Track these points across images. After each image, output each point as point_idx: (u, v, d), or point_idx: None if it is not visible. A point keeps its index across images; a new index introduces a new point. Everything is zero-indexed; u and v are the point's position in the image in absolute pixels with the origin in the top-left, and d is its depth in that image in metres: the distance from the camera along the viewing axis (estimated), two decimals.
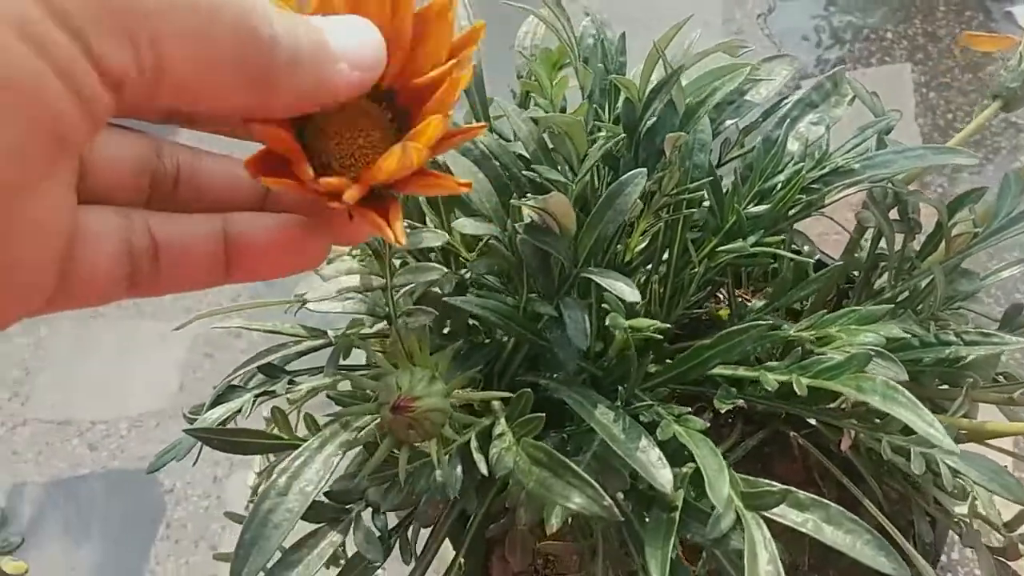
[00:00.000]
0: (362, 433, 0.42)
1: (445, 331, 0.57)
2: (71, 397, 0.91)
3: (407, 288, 0.49)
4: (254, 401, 0.51)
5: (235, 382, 0.54)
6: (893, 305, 0.51)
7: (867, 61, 1.17)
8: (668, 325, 0.46)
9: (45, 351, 0.94)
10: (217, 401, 0.52)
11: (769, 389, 0.47)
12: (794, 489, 0.44)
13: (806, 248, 0.65)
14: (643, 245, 0.56)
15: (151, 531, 0.83)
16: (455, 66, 0.27)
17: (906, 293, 0.60)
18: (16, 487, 0.85)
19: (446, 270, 0.47)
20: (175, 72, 0.22)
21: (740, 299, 0.64)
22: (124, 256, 0.26)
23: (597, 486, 0.40)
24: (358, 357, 0.57)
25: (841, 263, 0.59)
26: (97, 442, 0.88)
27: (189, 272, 0.28)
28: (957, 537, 0.59)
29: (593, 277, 0.47)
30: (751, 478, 0.44)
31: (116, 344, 0.94)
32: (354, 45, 0.26)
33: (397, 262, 0.50)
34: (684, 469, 0.46)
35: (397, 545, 0.51)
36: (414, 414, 0.40)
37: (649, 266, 0.57)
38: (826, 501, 0.44)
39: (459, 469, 0.44)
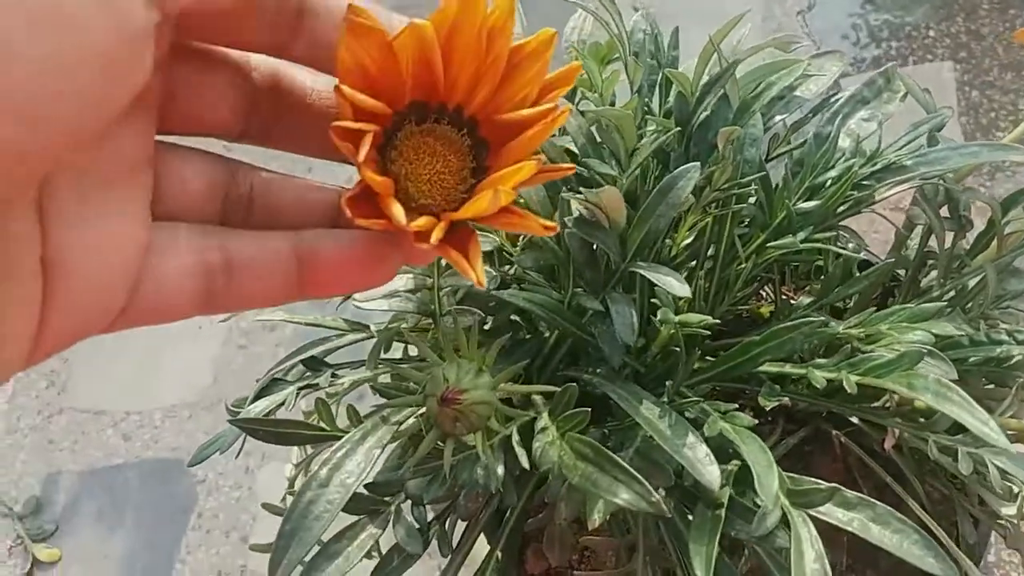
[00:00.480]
0: (405, 425, 0.41)
1: (486, 327, 0.57)
2: (107, 387, 0.91)
3: (451, 287, 0.49)
4: (297, 394, 0.51)
5: (277, 375, 0.54)
6: (945, 303, 0.50)
7: (906, 59, 1.15)
8: (717, 320, 0.45)
9: (83, 341, 0.94)
10: (261, 394, 0.52)
11: (817, 387, 0.46)
12: (841, 488, 0.43)
13: (851, 246, 0.64)
14: (689, 240, 0.55)
15: (183, 521, 0.83)
16: (550, 110, 0.26)
17: (953, 292, 0.59)
18: (51, 475, 0.85)
19: (491, 271, 0.46)
20: None
21: (784, 296, 0.63)
22: (197, 272, 0.26)
23: (644, 482, 0.39)
24: (396, 352, 0.57)
25: (892, 260, 0.58)
26: (131, 432, 0.88)
27: (263, 288, 0.27)
28: (993, 539, 0.58)
29: (642, 271, 0.46)
30: (796, 476, 0.44)
31: (152, 336, 0.94)
32: None
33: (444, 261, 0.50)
34: (729, 466, 0.45)
35: (434, 539, 0.51)
36: (461, 407, 0.39)
37: (694, 262, 0.56)
38: (873, 500, 0.43)
39: (502, 463, 0.44)
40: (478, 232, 0.27)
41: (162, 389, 0.90)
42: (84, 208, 0.23)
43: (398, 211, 0.25)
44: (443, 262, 0.49)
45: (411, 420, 0.44)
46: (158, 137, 0.27)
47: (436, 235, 0.25)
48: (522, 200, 0.50)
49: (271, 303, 0.28)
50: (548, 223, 0.26)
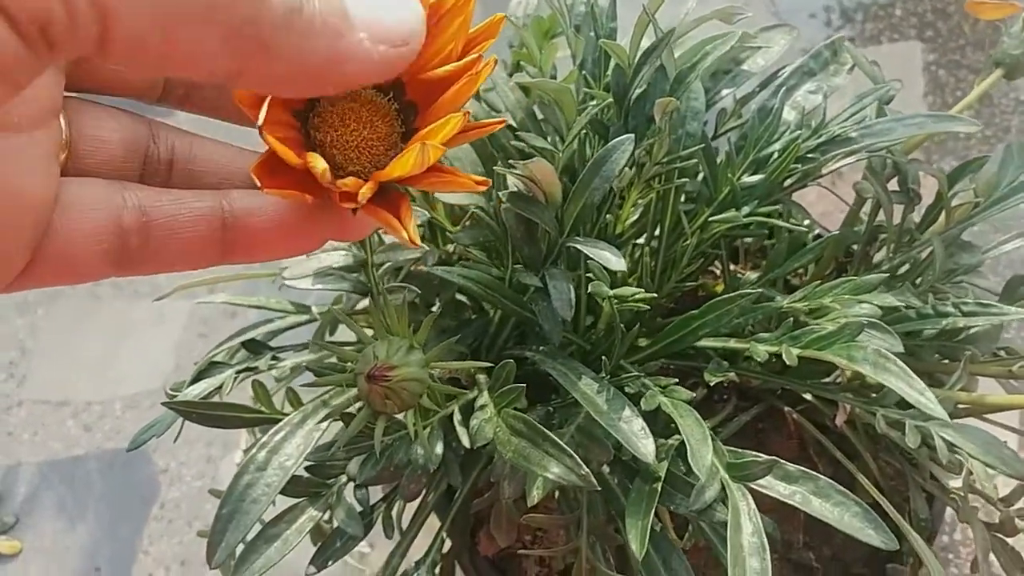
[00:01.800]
0: (337, 404, 0.41)
1: (434, 308, 0.56)
2: (67, 377, 0.90)
3: (391, 264, 0.48)
4: (236, 377, 0.50)
5: (218, 358, 0.53)
6: (888, 275, 0.50)
7: (877, 39, 1.15)
8: (653, 294, 0.45)
9: (41, 332, 0.93)
10: (199, 377, 0.51)
11: (759, 360, 0.46)
12: (781, 460, 0.43)
13: (806, 222, 0.64)
14: (635, 217, 0.55)
15: (145, 511, 0.82)
16: (477, 60, 0.26)
17: (906, 266, 0.58)
18: (11, 468, 0.85)
19: (426, 248, 0.46)
20: (125, 26, 0.19)
21: (735, 273, 0.63)
22: (109, 231, 0.25)
23: (575, 456, 0.39)
24: (346, 333, 0.56)
25: (836, 234, 0.57)
26: (92, 423, 0.87)
27: (182, 251, 0.26)
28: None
29: (578, 246, 0.46)
30: (737, 449, 0.43)
31: (111, 324, 0.93)
32: (382, 13, 0.22)
33: (377, 239, 0.49)
34: (671, 441, 0.45)
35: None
36: (390, 383, 0.39)
37: (642, 239, 0.56)
38: (815, 474, 0.43)
39: (440, 442, 0.43)
40: (410, 200, 0.26)
41: (123, 378, 0.89)
42: None
43: (320, 165, 0.24)
44: (376, 238, 0.48)
45: (346, 400, 0.43)
46: (77, 95, 0.26)
47: (364, 193, 0.24)
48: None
49: (190, 267, 0.27)
50: (479, 179, 0.26)
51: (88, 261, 0.25)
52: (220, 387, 0.50)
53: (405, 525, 0.54)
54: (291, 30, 0.20)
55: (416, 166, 0.25)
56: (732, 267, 0.66)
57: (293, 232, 0.27)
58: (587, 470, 0.38)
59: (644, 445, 0.40)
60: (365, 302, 0.52)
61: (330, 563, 0.49)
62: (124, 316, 0.94)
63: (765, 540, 0.40)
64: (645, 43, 0.49)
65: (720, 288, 0.62)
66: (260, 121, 0.24)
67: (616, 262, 0.43)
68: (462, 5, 0.26)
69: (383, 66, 0.23)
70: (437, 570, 0.56)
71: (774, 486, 0.43)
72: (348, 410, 0.44)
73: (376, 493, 0.53)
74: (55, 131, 0.25)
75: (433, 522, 0.55)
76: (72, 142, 0.26)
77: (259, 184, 0.24)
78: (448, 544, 0.57)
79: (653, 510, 0.41)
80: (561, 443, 0.39)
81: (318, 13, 0.21)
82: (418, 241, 0.25)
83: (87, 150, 0.26)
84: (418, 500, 0.55)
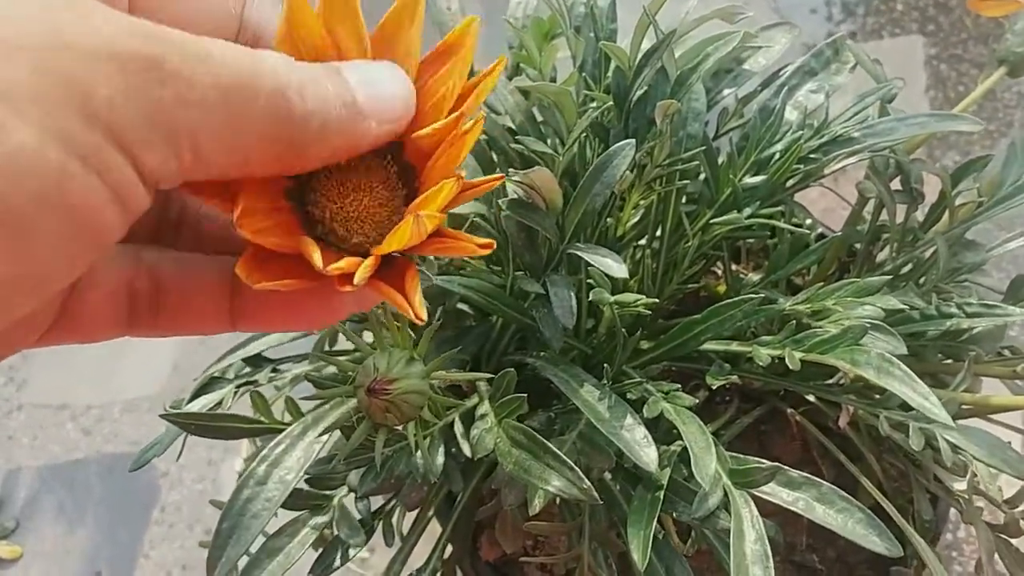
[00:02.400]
0: (338, 416, 0.40)
1: (435, 317, 0.56)
2: (66, 382, 0.90)
3: None
4: (235, 392, 0.50)
5: (217, 373, 0.53)
6: (891, 276, 0.50)
7: (879, 34, 1.14)
8: (655, 300, 0.44)
9: None
10: (199, 392, 0.50)
11: (761, 364, 0.45)
12: (784, 467, 0.42)
13: (808, 222, 0.64)
14: (636, 220, 0.54)
15: (145, 515, 0.82)
16: (459, 118, 0.24)
17: (909, 266, 0.58)
18: (11, 472, 0.84)
19: (432, 259, 0.45)
20: (210, 162, 0.21)
21: (738, 274, 0.62)
22: (122, 297, 0.25)
23: (576, 468, 0.38)
24: (347, 342, 0.56)
25: (839, 234, 0.57)
26: (91, 426, 0.87)
27: (192, 319, 0.26)
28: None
29: (579, 253, 0.45)
30: (741, 456, 0.43)
31: None
32: (384, 98, 0.24)
33: None
34: (673, 447, 0.44)
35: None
36: (391, 396, 0.38)
37: (643, 241, 0.55)
38: (818, 480, 0.42)
39: (441, 452, 0.43)
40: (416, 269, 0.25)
41: (122, 383, 0.89)
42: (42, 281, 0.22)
43: (315, 254, 0.23)
44: None
45: (345, 412, 0.42)
46: None
47: (360, 276, 0.23)
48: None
49: (200, 332, 0.27)
50: (483, 241, 0.24)
51: (102, 324, 0.25)
52: (220, 403, 0.49)
53: (406, 530, 0.54)
54: (321, 137, 0.22)
55: (414, 238, 0.23)
56: (734, 267, 0.65)
57: (300, 308, 0.26)
58: (588, 483, 0.38)
59: (646, 454, 0.40)
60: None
61: (331, 571, 0.49)
62: None
63: (768, 547, 0.40)
64: (646, 44, 0.48)
65: (722, 289, 0.61)
66: (236, 215, 0.23)
67: (618, 269, 0.43)
68: (453, 52, 0.25)
69: (380, 139, 0.24)
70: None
71: (777, 492, 0.43)
72: (336, 418, 0.44)
73: (377, 500, 0.52)
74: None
75: (434, 528, 0.55)
76: None
77: (246, 280, 0.23)
78: (449, 550, 0.57)
79: (655, 519, 0.41)
80: (562, 455, 0.39)
81: (336, 118, 0.22)
82: (423, 315, 0.24)
83: None
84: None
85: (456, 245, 0.25)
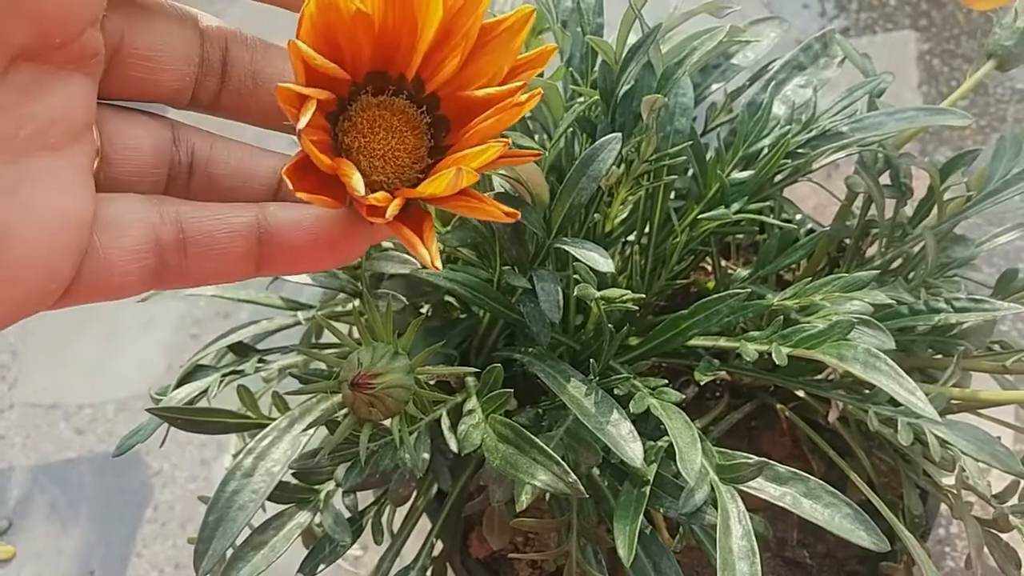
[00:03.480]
0: (323, 411, 0.40)
1: (422, 309, 0.56)
2: (58, 381, 0.90)
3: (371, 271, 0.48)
4: (221, 381, 0.50)
5: (204, 361, 0.53)
6: (879, 271, 0.49)
7: (872, 29, 1.14)
8: (642, 295, 0.44)
9: (32, 335, 0.93)
10: (184, 380, 0.50)
11: (749, 359, 0.45)
12: (771, 462, 0.42)
13: (798, 217, 0.63)
14: (624, 216, 0.54)
15: (138, 514, 0.82)
16: (520, 88, 0.25)
17: (899, 261, 0.58)
18: (3, 472, 0.84)
19: (417, 265, 0.45)
20: None
21: (727, 270, 0.62)
22: (148, 249, 0.25)
23: (563, 463, 0.38)
24: (333, 338, 0.56)
25: (827, 229, 0.57)
26: (84, 426, 0.87)
27: (218, 266, 0.27)
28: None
29: (566, 247, 0.45)
30: (728, 451, 0.43)
31: (102, 327, 0.93)
32: None
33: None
34: (660, 443, 0.44)
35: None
36: (375, 391, 0.38)
37: (631, 237, 0.55)
38: (805, 475, 0.42)
39: (427, 446, 0.43)
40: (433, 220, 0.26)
41: (115, 381, 0.89)
42: (21, 175, 0.22)
43: (358, 181, 0.24)
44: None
45: (330, 407, 0.42)
46: (102, 100, 0.26)
47: (391, 210, 0.24)
48: None
49: (227, 280, 0.27)
50: (509, 210, 0.25)
51: (127, 278, 0.25)
52: (206, 391, 0.49)
53: (397, 527, 0.54)
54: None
55: (449, 188, 0.24)
56: (724, 263, 0.65)
57: (330, 244, 0.27)
58: (575, 477, 0.38)
59: (632, 449, 0.40)
60: (354, 302, 0.52)
61: (320, 569, 0.48)
62: (115, 319, 0.93)
63: (755, 543, 0.39)
64: (632, 39, 0.48)
65: (712, 285, 0.61)
66: (302, 124, 0.23)
67: (604, 263, 0.43)
68: (517, 29, 0.26)
69: None
70: (429, 573, 0.55)
71: (764, 488, 0.43)
72: (334, 416, 0.44)
73: (367, 497, 0.52)
74: (89, 144, 0.25)
75: (425, 525, 0.55)
76: (104, 152, 0.26)
77: (291, 186, 0.24)
78: (440, 547, 0.57)
79: (641, 514, 0.41)
80: (548, 450, 0.39)
81: None
82: (439, 264, 0.24)
83: (118, 159, 0.27)
84: (409, 503, 0.54)
85: (482, 207, 0.25)
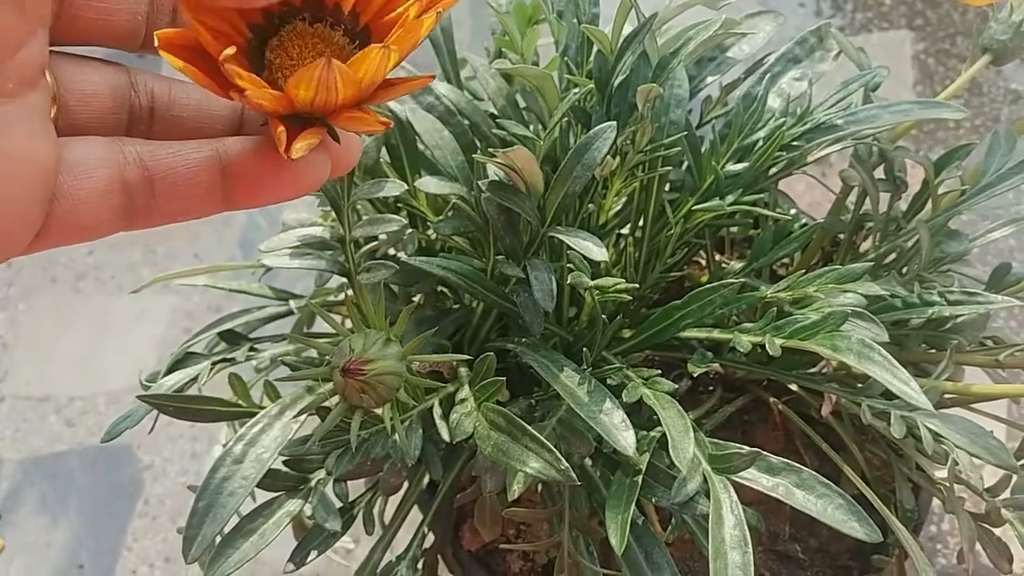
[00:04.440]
0: (315, 397, 0.40)
1: (415, 298, 0.55)
2: (49, 373, 0.89)
3: (370, 247, 0.47)
4: (212, 368, 0.49)
5: (196, 348, 0.52)
6: (872, 263, 0.49)
7: (867, 28, 1.14)
8: (635, 285, 0.44)
9: (22, 327, 0.92)
10: (174, 367, 0.50)
11: (741, 350, 0.45)
12: (764, 452, 0.42)
13: (793, 211, 0.63)
14: (619, 207, 0.54)
15: (129, 508, 0.81)
16: (414, 5, 0.26)
17: (893, 255, 0.58)
18: None
19: (405, 221, 0.45)
20: None
21: (721, 263, 0.62)
22: (115, 190, 0.26)
23: (555, 450, 0.38)
24: (326, 325, 0.56)
25: (820, 222, 0.57)
26: (75, 419, 0.86)
27: (186, 202, 0.27)
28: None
29: (560, 236, 0.45)
30: (720, 441, 0.43)
31: (93, 319, 0.92)
32: None
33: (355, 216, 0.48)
34: (653, 433, 0.44)
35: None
36: (366, 377, 0.38)
37: (626, 229, 0.55)
38: (798, 466, 0.42)
39: (419, 435, 0.43)
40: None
41: (106, 374, 0.88)
42: None
43: (212, 43, 0.24)
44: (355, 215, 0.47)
45: (322, 393, 0.42)
46: (56, 48, 0.26)
47: (226, 55, 0.23)
48: (439, 162, 0.48)
49: (194, 216, 0.28)
50: (383, 119, 0.26)
51: (98, 218, 0.26)
52: (196, 378, 0.49)
53: (389, 518, 0.53)
54: None
55: (320, 88, 0.24)
56: (718, 257, 0.65)
57: (288, 169, 0.27)
58: (567, 465, 0.38)
59: (624, 437, 0.40)
60: (347, 291, 0.52)
61: (309, 560, 0.48)
62: (106, 311, 0.92)
63: (747, 533, 0.39)
64: (628, 29, 0.48)
65: (705, 279, 0.61)
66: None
67: (598, 252, 0.43)
68: None
69: None
70: (420, 564, 0.55)
71: (757, 478, 0.43)
72: (325, 404, 0.43)
73: (359, 488, 0.52)
74: (45, 90, 0.25)
75: (417, 517, 0.55)
76: (60, 98, 0.26)
77: (156, 44, 0.24)
78: (432, 538, 0.57)
79: (633, 503, 0.40)
80: (541, 438, 0.38)
81: None
82: (294, 155, 0.25)
83: (76, 105, 0.27)
84: (401, 494, 0.54)
85: (361, 117, 0.26)
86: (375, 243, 0.46)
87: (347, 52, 0.27)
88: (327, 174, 0.28)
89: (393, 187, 0.45)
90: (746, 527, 0.39)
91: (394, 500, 0.54)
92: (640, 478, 0.42)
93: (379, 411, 0.40)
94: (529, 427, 0.39)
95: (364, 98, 0.26)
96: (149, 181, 0.26)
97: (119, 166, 0.26)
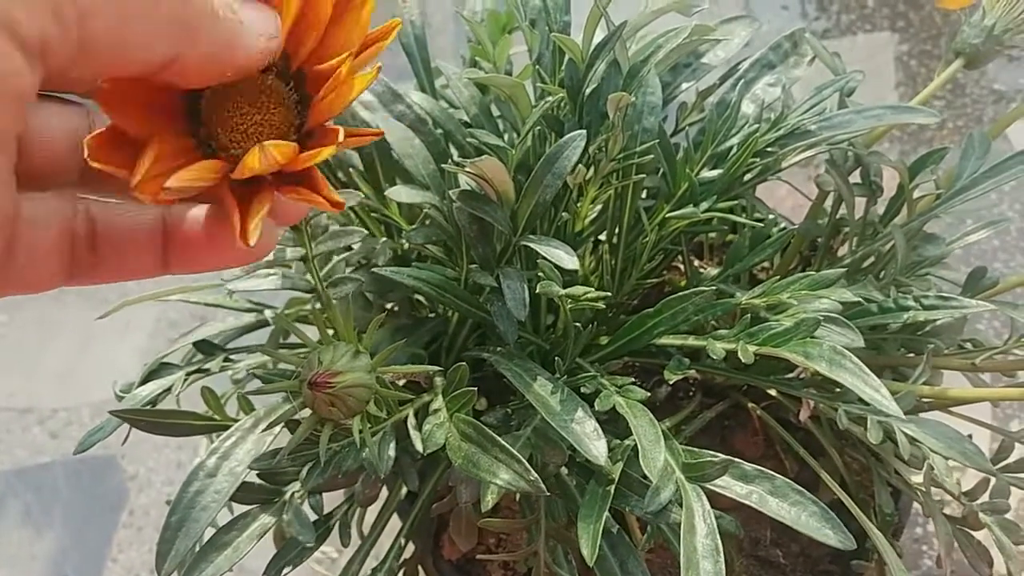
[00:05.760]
0: (285, 410, 0.40)
1: (389, 306, 0.55)
2: (33, 384, 0.89)
3: (341, 259, 0.47)
4: (186, 379, 0.49)
5: (171, 359, 0.52)
6: (846, 269, 0.49)
7: (851, 30, 1.14)
8: (607, 293, 0.44)
9: (5, 339, 0.92)
10: (148, 378, 0.50)
11: (716, 357, 0.45)
12: (738, 460, 0.42)
13: (771, 217, 0.63)
14: (594, 215, 0.54)
15: (113, 519, 0.81)
16: (348, 58, 0.25)
17: (871, 259, 0.58)
18: None
19: (366, 233, 0.45)
20: (100, 40, 0.21)
21: (698, 269, 0.62)
22: (65, 244, 0.26)
23: (524, 461, 0.38)
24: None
25: (795, 227, 0.57)
26: (59, 430, 0.86)
27: (127, 261, 0.27)
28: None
29: (532, 245, 0.45)
30: (695, 449, 0.43)
31: (78, 331, 0.92)
32: (252, 10, 0.25)
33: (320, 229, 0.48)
34: (627, 442, 0.44)
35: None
36: (334, 390, 0.38)
37: (603, 236, 0.55)
38: (771, 473, 0.42)
39: (392, 447, 0.42)
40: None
41: (89, 385, 0.88)
42: None
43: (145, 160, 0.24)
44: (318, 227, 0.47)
45: (289, 408, 0.42)
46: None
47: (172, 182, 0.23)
48: (411, 170, 0.48)
49: (136, 276, 0.28)
50: (337, 199, 0.25)
51: (46, 273, 0.26)
52: (169, 389, 0.49)
53: (369, 529, 0.53)
54: (211, 22, 0.23)
55: (262, 165, 0.24)
56: (697, 263, 0.65)
57: (227, 240, 0.26)
58: (536, 476, 0.37)
59: (596, 447, 0.40)
60: (315, 303, 0.51)
61: (287, 571, 0.48)
62: (90, 323, 0.92)
63: (719, 542, 0.39)
64: (599, 36, 0.48)
65: (684, 284, 0.61)
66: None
67: (569, 260, 0.43)
68: (361, 3, 0.26)
69: (265, 54, 0.25)
70: (400, 575, 0.55)
71: (731, 486, 0.42)
72: (297, 416, 0.43)
73: (338, 498, 0.52)
74: (11, 147, 0.24)
75: (398, 526, 0.54)
76: (21, 146, 0.26)
77: (88, 155, 0.23)
78: (412, 548, 0.57)
79: (606, 512, 0.40)
80: (511, 448, 0.38)
81: (220, 5, 0.23)
82: (250, 240, 0.24)
83: (35, 150, 0.26)
84: (380, 504, 0.54)
85: (311, 197, 0.25)
86: (348, 253, 0.46)
87: (283, 95, 0.27)
88: (276, 241, 0.28)
89: (349, 198, 0.45)
90: (718, 536, 0.39)
91: (374, 510, 0.54)
92: (613, 487, 0.41)
93: (350, 423, 0.40)
94: (499, 438, 0.39)
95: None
96: (93, 237, 0.26)
97: (70, 221, 0.26)
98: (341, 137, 0.25)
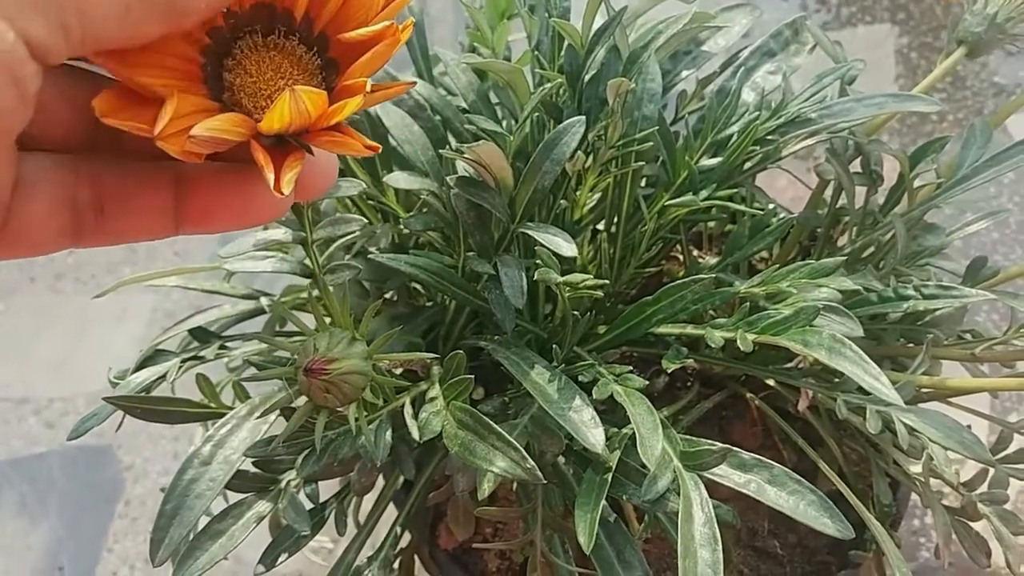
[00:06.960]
0: (281, 398, 0.40)
1: (387, 294, 0.55)
2: (28, 374, 0.88)
3: (342, 241, 0.47)
4: (180, 366, 0.49)
5: (166, 346, 0.52)
6: (846, 257, 0.49)
7: (852, 22, 1.14)
8: (605, 281, 0.43)
9: (1, 327, 0.92)
10: (143, 364, 0.50)
11: (714, 346, 0.45)
12: (736, 449, 0.42)
13: (771, 206, 0.63)
14: (593, 203, 0.54)
15: (109, 509, 0.81)
16: (391, 27, 0.25)
17: (871, 248, 0.57)
18: None
19: (365, 221, 0.44)
20: (101, 36, 0.22)
21: (698, 258, 0.62)
22: (64, 208, 0.25)
23: (520, 449, 0.38)
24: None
25: (794, 216, 0.57)
26: (55, 420, 0.86)
27: (136, 224, 0.27)
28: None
29: (530, 232, 0.44)
30: (693, 438, 0.42)
31: (73, 320, 0.92)
32: None
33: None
34: (625, 430, 0.44)
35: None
36: (330, 377, 0.37)
37: (601, 225, 0.54)
38: (770, 462, 0.42)
39: (388, 435, 0.42)
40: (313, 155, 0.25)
41: (85, 375, 0.88)
42: None
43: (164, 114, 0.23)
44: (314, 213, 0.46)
45: (284, 395, 0.42)
46: None
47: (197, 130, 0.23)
48: (409, 157, 0.48)
49: (147, 237, 0.27)
50: (369, 143, 0.25)
51: (45, 236, 0.25)
52: (164, 376, 0.48)
53: (365, 518, 0.53)
54: None
55: (294, 115, 0.24)
56: (696, 253, 0.65)
57: (241, 199, 0.27)
58: (532, 464, 0.37)
59: (593, 435, 0.39)
60: (312, 290, 0.51)
61: (281, 559, 0.48)
62: (86, 311, 0.92)
63: (717, 531, 0.39)
64: (599, 22, 0.47)
65: (682, 274, 0.61)
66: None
67: (567, 248, 0.42)
68: None
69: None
70: (397, 564, 0.55)
71: (729, 475, 0.42)
72: (293, 404, 0.43)
73: (335, 486, 0.52)
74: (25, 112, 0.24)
75: (393, 516, 0.54)
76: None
77: (99, 112, 0.23)
78: (408, 537, 0.56)
79: (603, 501, 0.40)
80: (507, 436, 0.38)
81: None
82: (285, 190, 0.24)
83: (39, 117, 0.26)
84: (377, 493, 0.54)
85: (344, 140, 0.25)
86: (348, 237, 0.46)
87: (306, 61, 0.27)
88: (288, 206, 0.28)
89: (349, 187, 0.44)
90: (716, 525, 0.39)
91: (370, 498, 0.54)
92: (610, 476, 0.41)
93: (346, 411, 0.40)
94: (496, 426, 0.39)
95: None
96: (100, 200, 0.26)
97: (71, 185, 0.25)
98: (368, 87, 0.24)
